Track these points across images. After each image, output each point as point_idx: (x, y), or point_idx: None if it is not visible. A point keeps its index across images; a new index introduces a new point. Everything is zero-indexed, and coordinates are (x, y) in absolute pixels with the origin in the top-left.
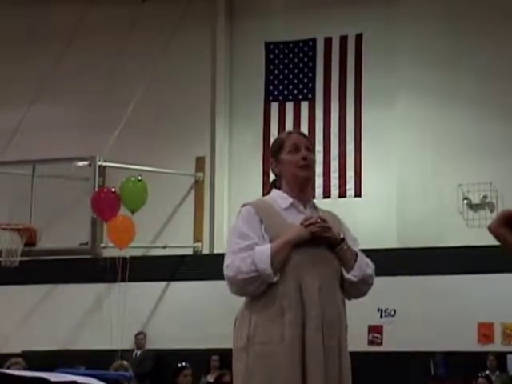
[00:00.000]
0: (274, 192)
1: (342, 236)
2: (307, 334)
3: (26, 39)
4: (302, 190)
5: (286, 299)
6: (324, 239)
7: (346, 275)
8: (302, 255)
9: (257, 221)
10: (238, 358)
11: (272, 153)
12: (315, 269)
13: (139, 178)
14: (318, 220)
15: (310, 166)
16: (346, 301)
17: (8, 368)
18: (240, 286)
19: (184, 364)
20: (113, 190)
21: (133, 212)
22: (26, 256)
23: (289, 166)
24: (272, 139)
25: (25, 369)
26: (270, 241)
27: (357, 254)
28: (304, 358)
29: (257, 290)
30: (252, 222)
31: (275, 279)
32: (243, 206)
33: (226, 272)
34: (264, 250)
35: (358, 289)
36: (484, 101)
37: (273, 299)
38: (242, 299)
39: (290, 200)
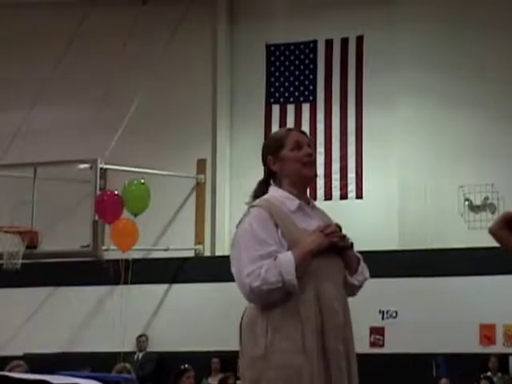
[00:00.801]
0: (277, 191)
1: (351, 241)
2: (327, 343)
3: (26, 41)
4: (304, 190)
5: (306, 308)
6: (339, 247)
7: (350, 279)
8: (318, 262)
9: (272, 225)
10: (253, 367)
11: (270, 150)
12: (330, 276)
13: (142, 180)
14: (337, 229)
15: (314, 163)
16: (349, 301)
17: (10, 371)
18: (264, 297)
19: (186, 366)
20: (116, 192)
21: (135, 215)
22: (28, 258)
23: (293, 164)
24: None
25: (26, 371)
26: (288, 247)
27: (359, 259)
28: (328, 368)
29: (277, 299)
30: (268, 227)
31: (297, 288)
32: (252, 206)
33: (249, 281)
34: (288, 260)
35: (355, 292)
36: (485, 102)
37: (292, 308)
38: (244, 302)
39: (297, 201)
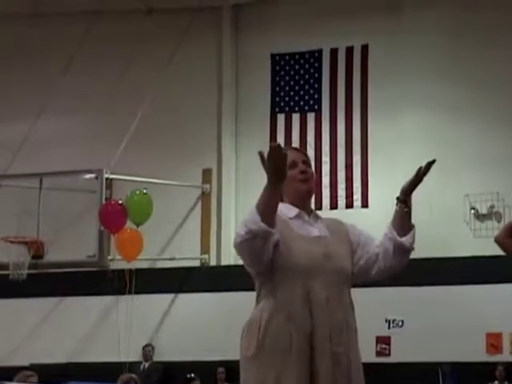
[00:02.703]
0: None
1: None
2: (315, 343)
3: (32, 52)
4: (304, 204)
5: (293, 307)
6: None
7: (399, 239)
8: (311, 259)
9: None
10: (246, 367)
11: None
12: (324, 275)
13: (144, 191)
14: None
15: (309, 179)
16: (355, 310)
17: (23, 382)
18: (242, 250)
19: (193, 375)
20: (120, 202)
21: (138, 225)
22: (34, 269)
23: (290, 182)
24: None
25: (37, 382)
26: (281, 249)
27: (412, 226)
28: (312, 366)
29: (264, 248)
30: None
31: (274, 231)
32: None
33: (234, 244)
34: (251, 211)
35: (403, 259)
36: (490, 111)
37: (280, 307)
38: (250, 312)
39: (296, 210)
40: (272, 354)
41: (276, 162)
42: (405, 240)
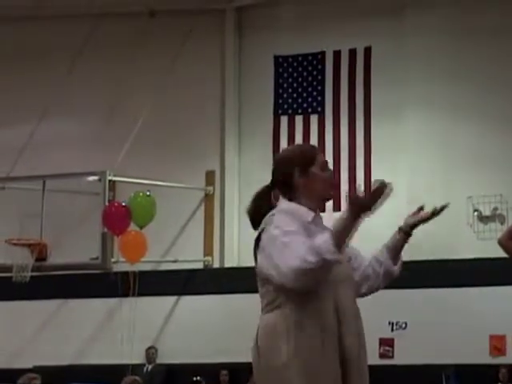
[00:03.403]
0: (290, 204)
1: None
2: (347, 356)
3: (35, 55)
4: (321, 207)
5: (326, 320)
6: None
7: (393, 267)
8: (336, 269)
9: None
10: (275, 376)
11: (298, 163)
12: (346, 286)
13: (148, 193)
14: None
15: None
16: None
17: None
18: (308, 275)
19: (198, 378)
20: (123, 204)
21: (141, 227)
22: (37, 271)
23: (321, 183)
24: None
25: None
26: None
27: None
28: (346, 374)
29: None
30: (295, 223)
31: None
32: (273, 214)
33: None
34: (326, 239)
35: (386, 283)
36: (494, 113)
37: (312, 316)
38: (252, 314)
39: (312, 213)
40: (306, 362)
41: (377, 199)
42: (396, 269)
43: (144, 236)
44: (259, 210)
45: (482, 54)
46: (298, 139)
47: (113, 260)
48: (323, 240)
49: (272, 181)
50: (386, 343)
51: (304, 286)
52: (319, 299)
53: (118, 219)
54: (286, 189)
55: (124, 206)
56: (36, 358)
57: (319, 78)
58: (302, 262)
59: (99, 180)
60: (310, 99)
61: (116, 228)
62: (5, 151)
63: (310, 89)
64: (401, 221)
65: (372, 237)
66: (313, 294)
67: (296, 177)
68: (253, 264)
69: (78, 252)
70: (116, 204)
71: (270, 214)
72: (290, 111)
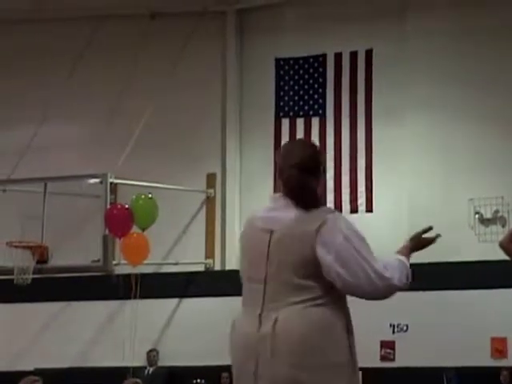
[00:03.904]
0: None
1: None
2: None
3: (36, 57)
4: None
5: (350, 322)
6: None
7: None
8: None
9: None
10: (338, 373)
11: (314, 167)
12: None
13: (150, 195)
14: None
15: None
16: (358, 315)
17: None
18: (393, 293)
19: (199, 381)
20: (126, 206)
21: (143, 229)
22: (38, 273)
23: (323, 189)
24: None
25: None
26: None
27: None
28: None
29: None
30: None
31: None
32: (333, 212)
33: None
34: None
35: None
36: (495, 116)
37: (350, 318)
38: None
39: None
40: (355, 363)
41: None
42: None
43: (146, 238)
44: (310, 192)
45: (483, 56)
46: None
47: (114, 262)
48: (408, 267)
49: (303, 166)
50: (387, 346)
51: (385, 296)
52: (345, 302)
53: (121, 221)
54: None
55: (126, 209)
56: (37, 361)
57: (320, 80)
58: (399, 283)
59: (100, 182)
60: (311, 102)
61: (118, 230)
62: (6, 154)
63: (311, 91)
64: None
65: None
66: (344, 297)
67: (314, 184)
68: None
69: (80, 254)
70: (119, 206)
71: (330, 211)
72: (291, 114)
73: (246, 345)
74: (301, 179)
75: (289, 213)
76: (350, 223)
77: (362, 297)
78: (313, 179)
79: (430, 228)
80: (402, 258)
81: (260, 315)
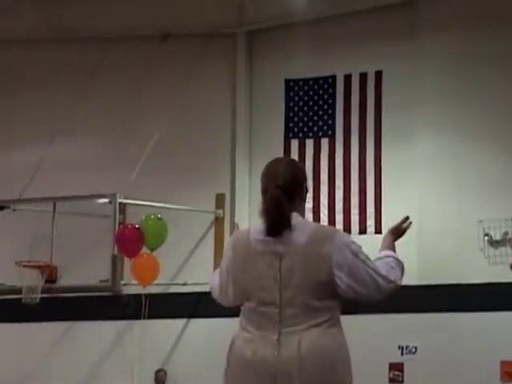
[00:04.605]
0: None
1: None
2: None
3: (46, 76)
4: None
5: None
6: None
7: None
8: None
9: None
10: None
11: (305, 179)
12: None
13: (159, 216)
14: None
15: None
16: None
17: None
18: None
19: None
20: (137, 226)
21: (152, 250)
22: (47, 293)
23: (303, 204)
24: None
25: None
26: None
27: None
28: None
29: None
30: None
31: None
32: (335, 229)
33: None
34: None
35: None
36: (505, 137)
37: None
38: None
39: None
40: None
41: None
42: None
43: (156, 259)
44: (286, 216)
45: (494, 77)
46: (309, 163)
47: (122, 282)
48: (402, 265)
49: (289, 186)
50: (396, 368)
51: (386, 296)
52: None
53: (132, 241)
54: (299, 209)
55: (137, 229)
56: (45, 381)
57: (330, 101)
58: (399, 281)
59: (110, 202)
60: (320, 123)
61: (129, 250)
62: (16, 173)
63: (320, 112)
64: (411, 243)
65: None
66: None
67: (305, 192)
68: None
69: (88, 274)
70: (129, 226)
71: (335, 229)
72: (300, 135)
73: (262, 370)
74: (284, 200)
75: (293, 234)
76: (349, 236)
77: (369, 302)
78: (296, 199)
79: (407, 218)
80: (393, 253)
81: (278, 339)
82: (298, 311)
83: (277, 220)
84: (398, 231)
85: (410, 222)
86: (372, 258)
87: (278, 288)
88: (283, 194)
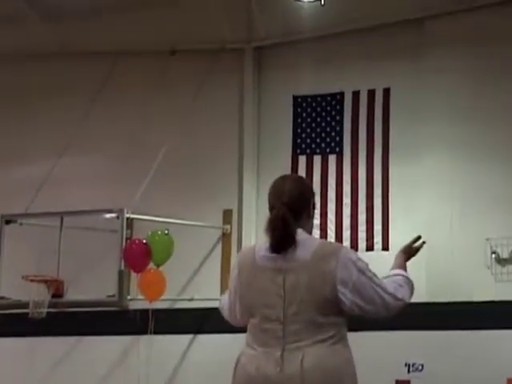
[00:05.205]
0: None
1: None
2: None
3: (53, 92)
4: None
5: None
6: None
7: None
8: None
9: None
10: None
11: (313, 196)
12: None
13: (166, 231)
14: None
15: None
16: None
17: None
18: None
19: None
20: (144, 241)
21: (158, 266)
22: (53, 308)
23: (312, 220)
24: None
25: None
26: None
27: None
28: None
29: None
30: None
31: None
32: (340, 246)
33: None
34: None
35: None
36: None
37: None
38: None
39: None
40: None
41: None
42: None
43: (163, 274)
44: (291, 234)
45: (502, 94)
46: (316, 179)
47: (129, 297)
48: (411, 284)
49: (295, 203)
50: None
51: (395, 313)
52: None
53: (139, 257)
54: (306, 223)
55: (145, 244)
56: None
57: (338, 118)
58: (409, 298)
59: (117, 217)
60: (328, 139)
61: (136, 265)
62: (23, 188)
63: (328, 129)
64: (418, 260)
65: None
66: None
67: (312, 208)
68: None
69: (95, 289)
70: (137, 241)
71: (339, 246)
72: (308, 151)
73: None
74: (290, 217)
75: (298, 251)
76: (355, 253)
77: (375, 318)
78: (303, 215)
79: (419, 237)
80: (403, 272)
81: (281, 356)
82: (302, 327)
83: (282, 237)
84: (410, 250)
85: (423, 242)
86: (380, 275)
87: (282, 304)
88: (289, 212)
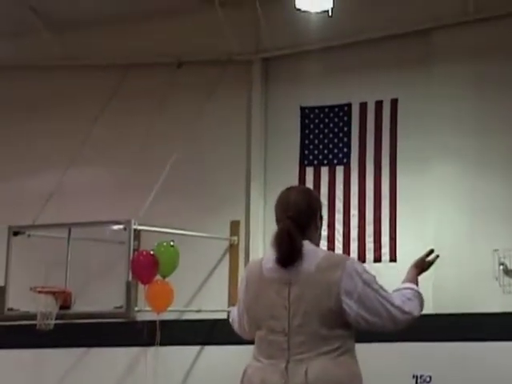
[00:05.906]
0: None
1: None
2: None
3: (61, 103)
4: None
5: None
6: None
7: None
8: None
9: None
10: None
11: (320, 207)
12: None
13: (171, 243)
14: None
15: None
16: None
17: None
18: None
19: None
20: (151, 253)
21: (164, 277)
22: (61, 319)
23: (318, 231)
24: None
25: None
26: None
27: None
28: None
29: None
30: None
31: None
32: (346, 257)
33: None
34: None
35: None
36: None
37: None
38: None
39: None
40: None
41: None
42: None
43: (170, 285)
44: (296, 247)
45: (509, 106)
46: (324, 191)
47: (136, 309)
48: (421, 293)
49: (301, 215)
50: None
51: (404, 326)
52: None
53: (146, 268)
54: (313, 235)
55: (152, 255)
56: None
57: (345, 129)
58: (418, 312)
59: (124, 229)
60: (335, 150)
61: (144, 277)
62: (31, 199)
63: (336, 140)
64: (427, 272)
65: (397, 287)
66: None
67: (318, 219)
68: None
69: (102, 300)
70: (144, 253)
71: (345, 258)
72: (315, 162)
73: None
74: (295, 230)
75: (303, 262)
76: (362, 265)
77: (382, 332)
78: (310, 227)
79: (432, 251)
80: (414, 286)
81: (286, 368)
82: (307, 339)
83: (288, 252)
84: (423, 264)
85: (437, 256)
86: (387, 286)
87: (287, 316)
88: (294, 225)
